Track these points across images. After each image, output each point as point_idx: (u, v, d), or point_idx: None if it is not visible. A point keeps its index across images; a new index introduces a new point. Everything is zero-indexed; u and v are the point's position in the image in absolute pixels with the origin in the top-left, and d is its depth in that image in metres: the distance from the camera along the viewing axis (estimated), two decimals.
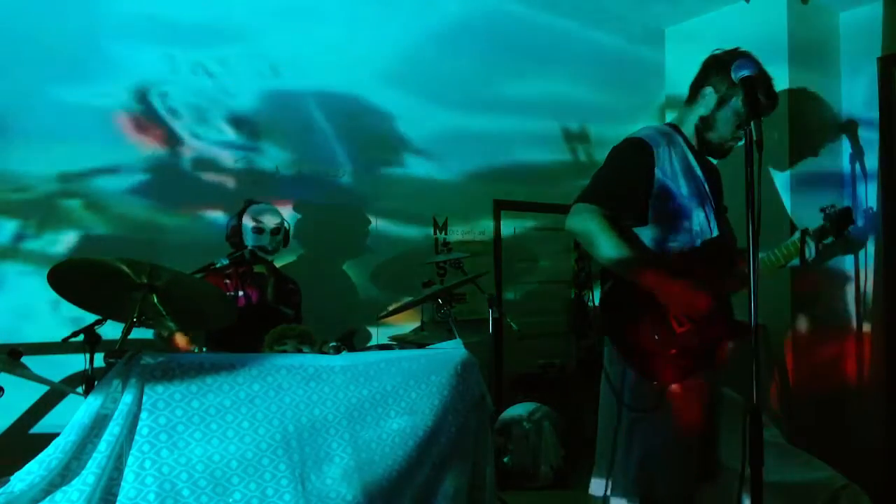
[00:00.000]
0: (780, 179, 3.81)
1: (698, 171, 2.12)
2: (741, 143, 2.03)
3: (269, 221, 2.94)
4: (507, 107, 4.18)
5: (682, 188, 2.06)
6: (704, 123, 2.15)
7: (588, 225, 1.99)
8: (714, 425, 2.16)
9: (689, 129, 2.20)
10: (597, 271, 2.40)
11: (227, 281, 2.90)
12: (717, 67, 2.13)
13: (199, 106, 3.21)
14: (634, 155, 2.06)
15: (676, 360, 2.00)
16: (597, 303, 4.34)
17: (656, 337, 2.01)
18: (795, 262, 2.27)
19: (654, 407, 1.97)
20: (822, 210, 2.36)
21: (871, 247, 3.91)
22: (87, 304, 2.15)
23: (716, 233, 2.07)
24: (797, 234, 2.28)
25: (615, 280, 2.09)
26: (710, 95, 2.13)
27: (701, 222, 2.06)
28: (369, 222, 3.69)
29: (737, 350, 2.13)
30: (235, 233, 2.95)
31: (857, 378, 3.97)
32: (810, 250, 2.26)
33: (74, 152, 2.91)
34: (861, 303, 3.95)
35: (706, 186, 2.12)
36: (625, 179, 2.06)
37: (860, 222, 2.37)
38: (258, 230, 2.91)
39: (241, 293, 2.91)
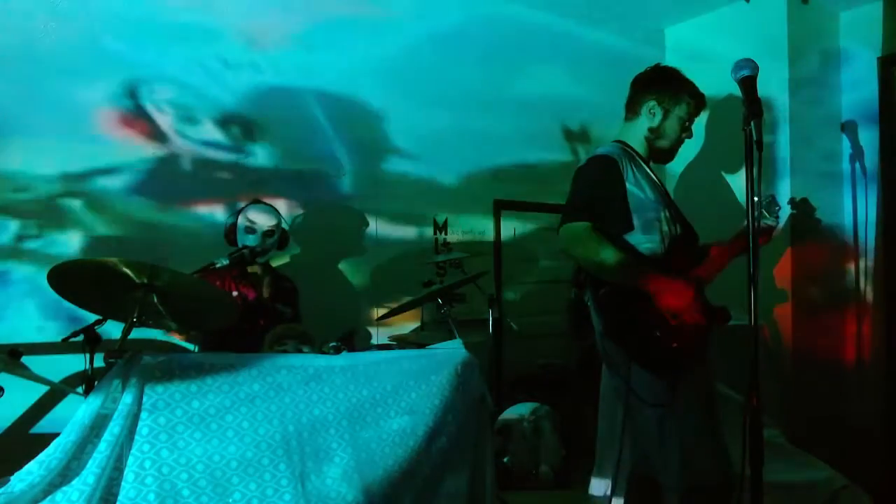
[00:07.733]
0: (781, 180, 3.81)
1: (654, 178, 2.29)
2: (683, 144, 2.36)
3: (263, 223, 2.89)
4: (506, 107, 4.18)
5: (648, 193, 2.20)
6: (655, 134, 2.31)
7: (586, 245, 2.10)
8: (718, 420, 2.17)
9: (635, 141, 2.33)
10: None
11: (219, 282, 2.87)
12: (656, 83, 2.31)
13: (199, 105, 3.20)
14: (607, 169, 2.18)
15: (679, 351, 2.05)
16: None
17: (658, 333, 2.04)
18: None
19: (671, 399, 2.03)
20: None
21: (871, 246, 3.92)
22: (87, 304, 2.15)
23: (680, 230, 2.23)
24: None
25: (610, 284, 2.13)
26: (656, 109, 2.29)
27: (668, 223, 2.21)
28: (368, 223, 3.68)
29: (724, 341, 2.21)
30: (230, 231, 2.94)
31: (857, 378, 3.98)
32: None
33: (75, 152, 2.90)
34: (861, 304, 3.96)
35: (664, 190, 2.29)
36: (605, 192, 2.17)
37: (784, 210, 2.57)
38: (249, 230, 2.88)
39: (234, 293, 2.89)
